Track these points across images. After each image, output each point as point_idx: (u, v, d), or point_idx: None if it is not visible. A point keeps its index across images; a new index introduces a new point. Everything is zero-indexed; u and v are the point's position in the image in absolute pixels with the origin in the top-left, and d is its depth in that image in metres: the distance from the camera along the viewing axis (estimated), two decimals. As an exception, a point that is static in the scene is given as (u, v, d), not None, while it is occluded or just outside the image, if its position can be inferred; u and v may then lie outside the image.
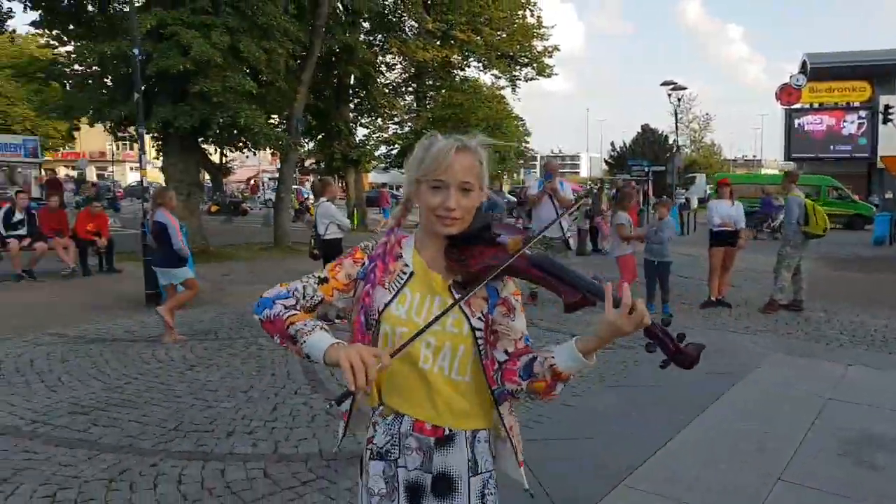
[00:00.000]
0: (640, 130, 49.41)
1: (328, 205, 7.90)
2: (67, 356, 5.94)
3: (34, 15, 14.18)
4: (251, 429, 4.33)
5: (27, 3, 13.89)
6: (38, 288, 9.62)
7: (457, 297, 1.54)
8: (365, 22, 22.63)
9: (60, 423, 4.33)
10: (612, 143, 53.31)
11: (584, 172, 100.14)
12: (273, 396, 4.98)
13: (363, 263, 1.63)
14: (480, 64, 27.38)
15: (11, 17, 14.08)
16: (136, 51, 8.52)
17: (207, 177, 26.33)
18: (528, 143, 40.72)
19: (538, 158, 70.36)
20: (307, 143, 24.64)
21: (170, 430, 4.26)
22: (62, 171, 39.95)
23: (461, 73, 28.17)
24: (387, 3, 22.21)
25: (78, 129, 25.71)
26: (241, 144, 16.54)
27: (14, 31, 14.87)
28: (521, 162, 44.75)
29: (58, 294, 9.19)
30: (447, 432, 1.58)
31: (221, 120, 11.91)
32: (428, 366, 1.56)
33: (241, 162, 56.72)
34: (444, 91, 27.14)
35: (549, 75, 27.64)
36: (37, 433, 4.17)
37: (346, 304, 1.66)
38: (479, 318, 1.56)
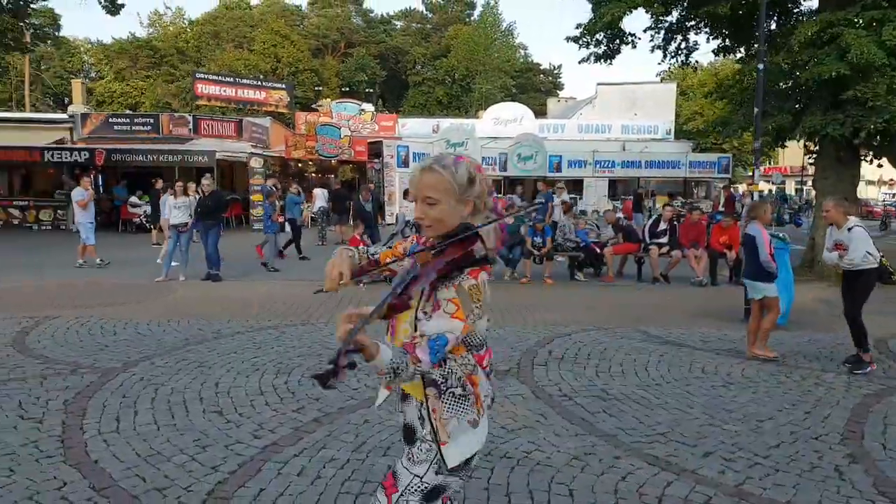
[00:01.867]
0: None
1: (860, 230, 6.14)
2: (632, 351, 6.60)
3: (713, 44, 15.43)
4: (733, 457, 4.06)
5: (709, 34, 15.37)
6: (668, 291, 10.66)
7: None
8: None
9: (583, 402, 5.03)
10: None
11: None
12: (786, 434, 4.45)
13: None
14: None
15: (696, 49, 15.80)
16: (760, 66, 8.51)
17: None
18: None
19: None
20: None
21: (656, 433, 4.41)
22: (764, 187, 41.70)
23: None
24: None
25: (773, 146, 26.21)
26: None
27: (697, 61, 16.52)
28: None
29: (673, 298, 10.02)
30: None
31: (872, 126, 10.41)
32: None
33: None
34: None
35: None
36: (561, 405, 4.98)
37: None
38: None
